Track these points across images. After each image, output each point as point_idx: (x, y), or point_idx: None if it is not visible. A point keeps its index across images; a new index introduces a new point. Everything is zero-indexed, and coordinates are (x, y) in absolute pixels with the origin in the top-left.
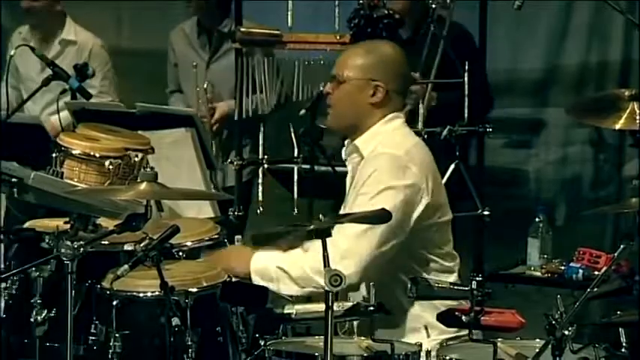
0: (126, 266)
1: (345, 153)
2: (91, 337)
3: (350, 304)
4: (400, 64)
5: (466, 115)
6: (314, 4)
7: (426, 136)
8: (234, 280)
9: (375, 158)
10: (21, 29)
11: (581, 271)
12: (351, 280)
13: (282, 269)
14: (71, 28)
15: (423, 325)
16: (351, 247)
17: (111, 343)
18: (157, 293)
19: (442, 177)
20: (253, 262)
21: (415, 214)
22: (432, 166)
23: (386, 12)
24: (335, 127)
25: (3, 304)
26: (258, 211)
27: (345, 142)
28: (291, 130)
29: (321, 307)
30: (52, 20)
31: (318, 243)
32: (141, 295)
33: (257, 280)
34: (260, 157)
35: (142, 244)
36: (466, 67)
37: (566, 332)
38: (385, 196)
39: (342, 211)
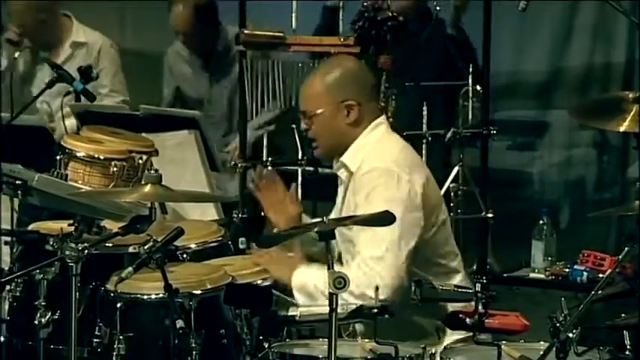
0: (130, 268)
1: (334, 165)
2: (95, 340)
3: (354, 306)
4: (360, 72)
5: (470, 117)
6: (318, 6)
7: (430, 139)
8: (238, 282)
9: (367, 175)
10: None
11: (585, 273)
12: (387, 303)
13: (320, 289)
14: (80, 30)
15: (434, 328)
16: (377, 274)
17: (115, 346)
18: (161, 295)
19: (445, 180)
20: (294, 278)
21: (417, 220)
22: (421, 167)
23: (390, 14)
24: (326, 157)
25: (7, 307)
26: (262, 213)
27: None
28: (295, 132)
29: (325, 309)
30: (52, 30)
31: (353, 264)
32: (145, 297)
33: (296, 294)
34: (264, 159)
35: (146, 247)
36: (471, 70)
37: (571, 335)
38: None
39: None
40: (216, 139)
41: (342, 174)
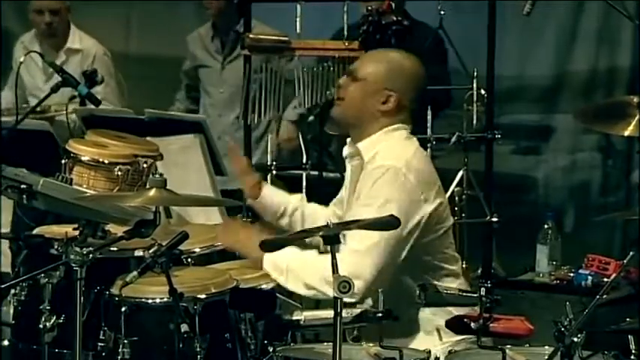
0: (135, 272)
1: (345, 152)
2: (99, 344)
3: (358, 310)
4: (419, 80)
5: (475, 120)
6: (322, 10)
7: (434, 143)
8: (242, 286)
9: (375, 171)
10: (23, 38)
11: (590, 277)
12: (355, 298)
13: (293, 267)
14: (75, 36)
15: (435, 329)
16: (356, 268)
17: (119, 350)
18: (165, 299)
19: (450, 184)
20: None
21: (416, 224)
22: (431, 173)
23: (394, 18)
24: (338, 121)
25: (12, 311)
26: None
27: (347, 140)
28: (300, 136)
29: (329, 313)
30: (64, 30)
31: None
32: (150, 301)
33: (268, 268)
34: (268, 163)
35: (150, 251)
36: (475, 74)
37: (575, 339)
38: (387, 210)
39: (340, 211)
40: (228, 123)
41: (354, 161)
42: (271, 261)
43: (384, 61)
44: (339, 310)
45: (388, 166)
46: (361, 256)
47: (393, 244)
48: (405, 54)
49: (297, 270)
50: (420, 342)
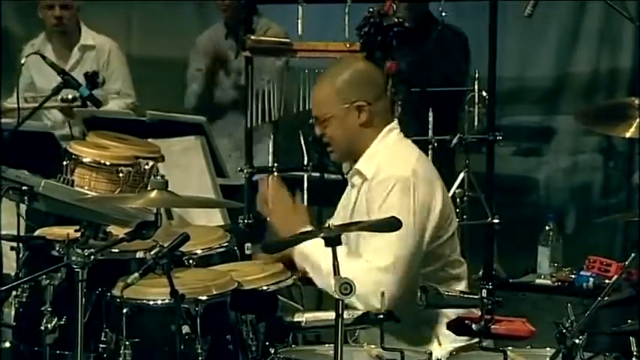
0: (136, 274)
1: (347, 174)
2: (101, 345)
3: (360, 312)
4: (369, 72)
5: (476, 122)
6: (324, 11)
7: (435, 145)
8: (244, 288)
9: (384, 184)
10: (33, 41)
11: (591, 279)
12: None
13: (321, 267)
14: (88, 33)
15: (434, 334)
16: (381, 285)
17: (121, 351)
18: (167, 301)
19: (451, 185)
20: (300, 245)
21: (429, 232)
22: (436, 177)
23: (396, 20)
24: (342, 161)
25: (13, 312)
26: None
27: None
28: (301, 137)
29: (330, 315)
30: (74, 27)
31: (362, 266)
32: (151, 303)
33: (298, 260)
34: (270, 164)
35: (152, 252)
36: (477, 76)
37: (577, 341)
38: (403, 222)
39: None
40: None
41: (356, 180)
42: (302, 255)
43: (328, 85)
44: (340, 312)
45: (396, 177)
46: (385, 272)
47: (414, 256)
48: (341, 63)
49: (325, 271)
50: (421, 348)
